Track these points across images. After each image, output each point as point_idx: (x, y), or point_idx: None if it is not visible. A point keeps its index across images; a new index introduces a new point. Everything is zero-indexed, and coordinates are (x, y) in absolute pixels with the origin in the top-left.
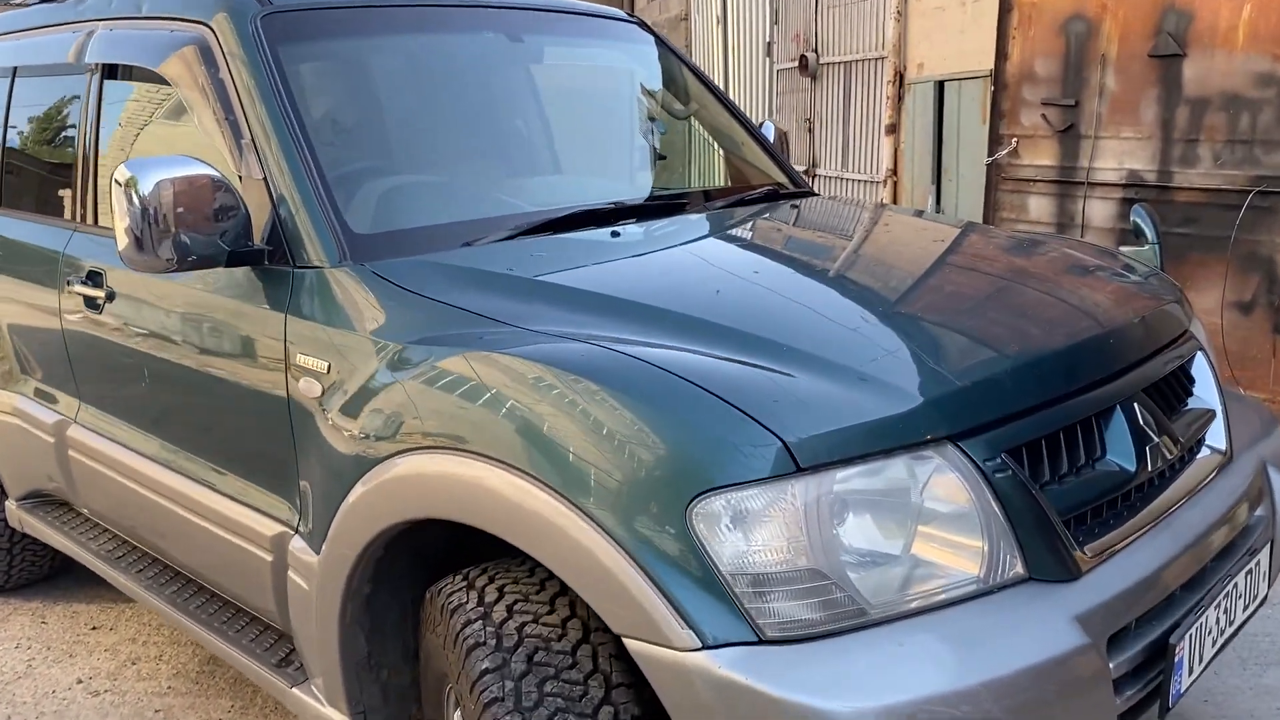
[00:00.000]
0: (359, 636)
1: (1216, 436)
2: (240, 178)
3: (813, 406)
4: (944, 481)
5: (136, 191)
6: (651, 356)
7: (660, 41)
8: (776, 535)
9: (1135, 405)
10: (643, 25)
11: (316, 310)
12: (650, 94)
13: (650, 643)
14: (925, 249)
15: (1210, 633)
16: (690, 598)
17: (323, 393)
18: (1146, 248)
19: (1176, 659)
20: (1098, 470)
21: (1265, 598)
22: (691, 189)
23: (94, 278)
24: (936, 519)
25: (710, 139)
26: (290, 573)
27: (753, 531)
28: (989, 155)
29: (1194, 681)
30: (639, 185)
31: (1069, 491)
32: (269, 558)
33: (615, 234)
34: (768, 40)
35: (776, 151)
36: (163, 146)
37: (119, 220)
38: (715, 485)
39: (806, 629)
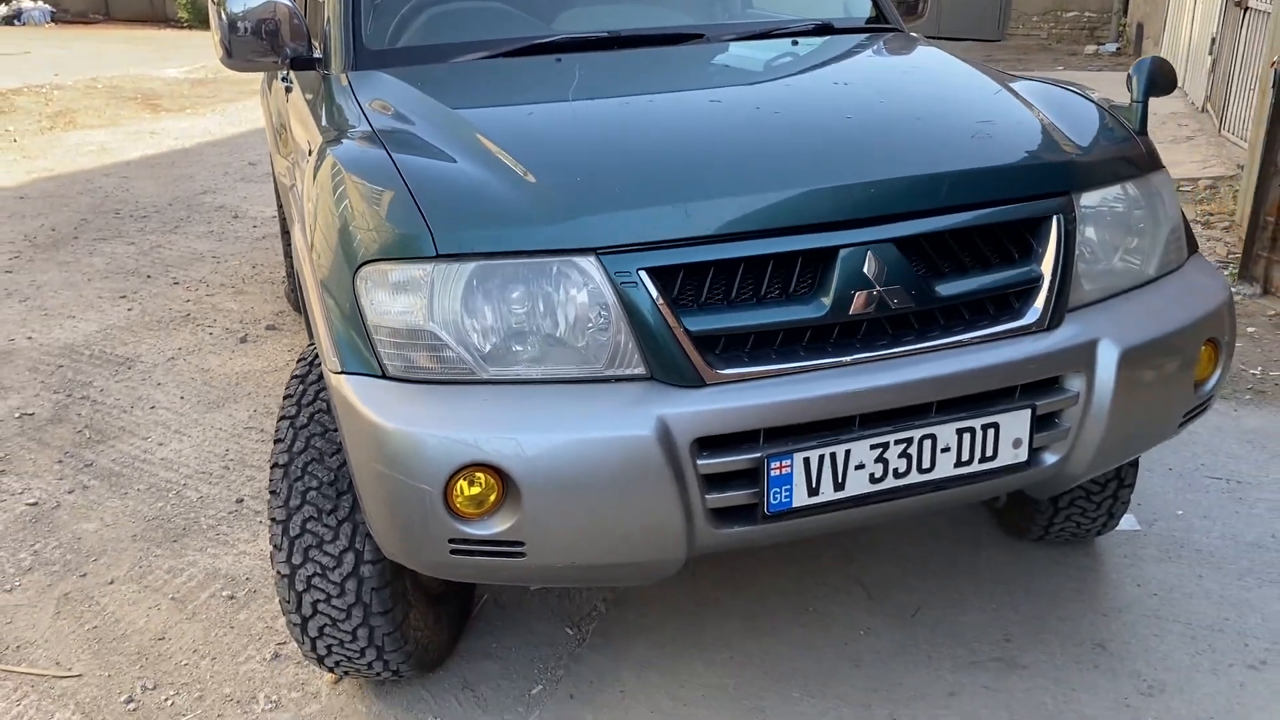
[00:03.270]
0: None
1: (1030, 306)
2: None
3: (473, 207)
4: (577, 287)
5: (225, 10)
6: (406, 159)
7: None
8: (410, 303)
9: (869, 253)
10: None
11: (319, 102)
12: None
13: (329, 370)
14: (828, 89)
15: (866, 469)
16: (344, 338)
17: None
18: (1131, 105)
19: (774, 476)
20: (772, 305)
21: (1024, 462)
22: (723, 21)
23: (286, 79)
24: (564, 314)
25: None
26: None
27: (394, 297)
28: None
29: (831, 506)
30: (682, 13)
31: (719, 315)
32: None
33: (558, 60)
34: None
35: None
36: None
37: (214, 31)
38: (374, 258)
39: (421, 374)
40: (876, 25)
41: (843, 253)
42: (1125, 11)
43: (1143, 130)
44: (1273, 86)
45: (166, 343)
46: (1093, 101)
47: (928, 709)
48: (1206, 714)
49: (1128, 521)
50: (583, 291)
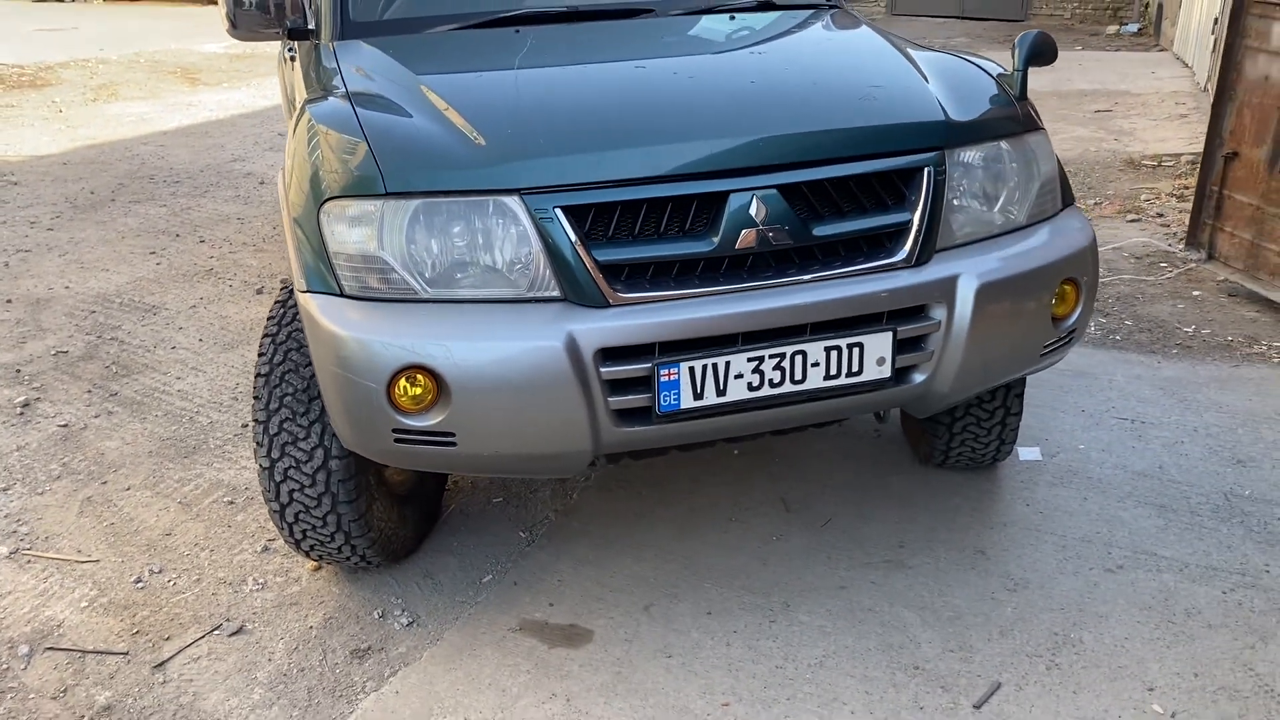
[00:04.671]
0: None
1: (901, 245)
2: None
3: (419, 154)
4: (503, 222)
5: None
6: (368, 114)
7: None
8: (364, 234)
9: (754, 198)
10: None
11: (309, 68)
12: None
13: (298, 290)
14: (743, 58)
15: (745, 378)
16: (311, 263)
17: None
18: (1013, 73)
19: (663, 381)
20: (669, 240)
21: (889, 379)
22: None
23: (290, 50)
24: (492, 245)
25: None
26: None
27: (350, 229)
28: None
29: (715, 410)
30: None
31: (624, 248)
32: None
33: (517, 31)
34: None
35: None
36: None
37: (221, 5)
38: (334, 195)
39: (373, 294)
40: (818, 3)
41: (731, 197)
42: None
43: (1022, 95)
44: (1219, 63)
45: (190, 293)
46: (983, 70)
47: (819, 598)
48: (1058, 605)
49: (1031, 453)
50: (508, 226)
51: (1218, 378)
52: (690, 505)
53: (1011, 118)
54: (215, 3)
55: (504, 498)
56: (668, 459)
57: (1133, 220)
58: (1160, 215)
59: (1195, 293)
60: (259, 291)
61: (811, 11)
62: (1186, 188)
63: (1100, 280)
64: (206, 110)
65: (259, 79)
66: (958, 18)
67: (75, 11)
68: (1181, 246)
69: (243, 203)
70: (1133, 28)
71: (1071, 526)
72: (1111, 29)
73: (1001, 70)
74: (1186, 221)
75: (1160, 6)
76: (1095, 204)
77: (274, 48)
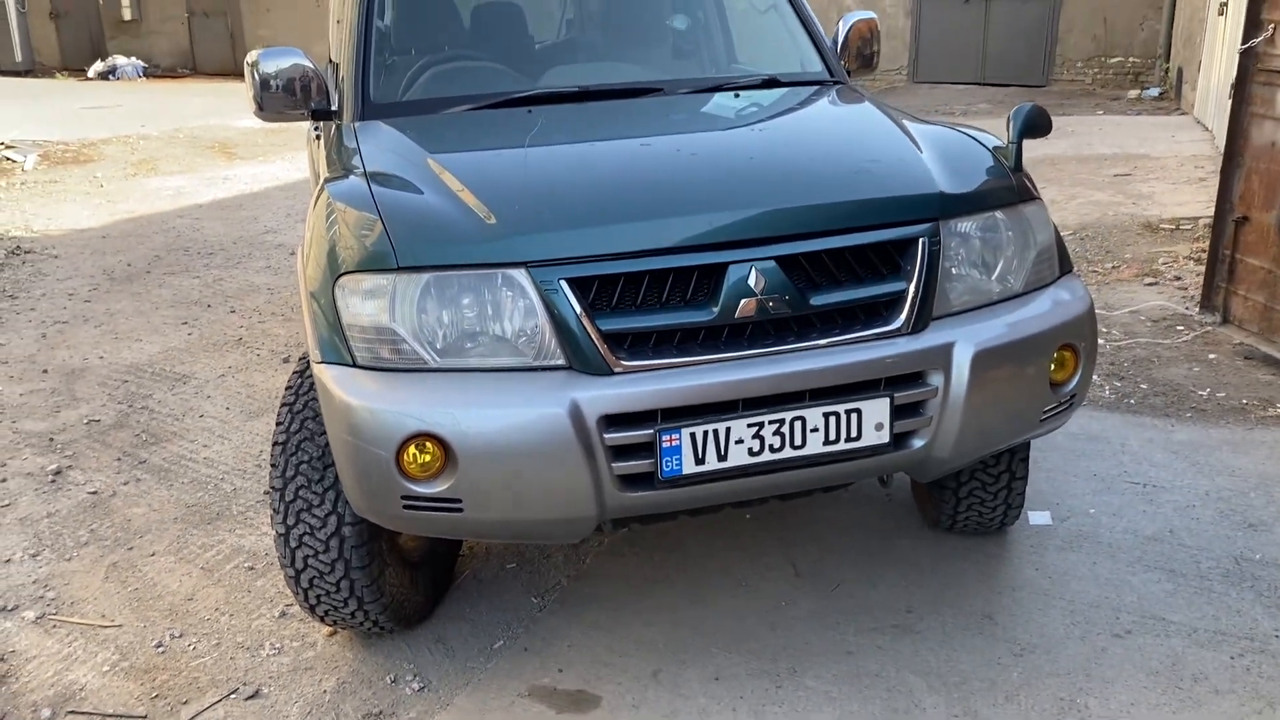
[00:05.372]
0: None
1: (897, 314)
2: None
3: (430, 230)
4: (510, 294)
5: (258, 70)
6: (382, 192)
7: None
8: (375, 307)
9: (753, 269)
10: None
11: (332, 146)
12: None
13: (313, 360)
14: (744, 134)
15: (745, 444)
16: (326, 335)
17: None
18: (1008, 144)
19: (665, 447)
20: (671, 309)
21: (887, 444)
22: (682, 77)
23: (316, 129)
24: (500, 316)
25: (762, 32)
26: None
27: (364, 302)
28: (1243, 42)
29: (717, 476)
30: (652, 71)
31: (627, 317)
32: None
33: (529, 110)
34: None
35: (823, 44)
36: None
37: (248, 89)
38: (349, 270)
39: (384, 364)
40: (821, 80)
41: (731, 268)
42: (1168, 57)
43: (1017, 166)
44: (1227, 130)
45: (219, 362)
46: (979, 142)
47: (825, 663)
48: (1065, 670)
49: (1041, 518)
50: (516, 298)
51: (1231, 441)
52: (701, 570)
53: (1006, 188)
54: None
55: (517, 563)
56: (678, 523)
57: (1150, 284)
58: (1178, 279)
59: (1211, 356)
60: (285, 360)
61: (816, 88)
62: (1204, 251)
63: (1116, 343)
64: (241, 183)
65: (292, 152)
66: (979, 84)
67: (120, 90)
68: (1198, 310)
69: (273, 273)
70: (1154, 92)
71: (1080, 591)
72: (1133, 93)
73: (997, 142)
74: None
75: (1180, 71)
76: (1113, 267)
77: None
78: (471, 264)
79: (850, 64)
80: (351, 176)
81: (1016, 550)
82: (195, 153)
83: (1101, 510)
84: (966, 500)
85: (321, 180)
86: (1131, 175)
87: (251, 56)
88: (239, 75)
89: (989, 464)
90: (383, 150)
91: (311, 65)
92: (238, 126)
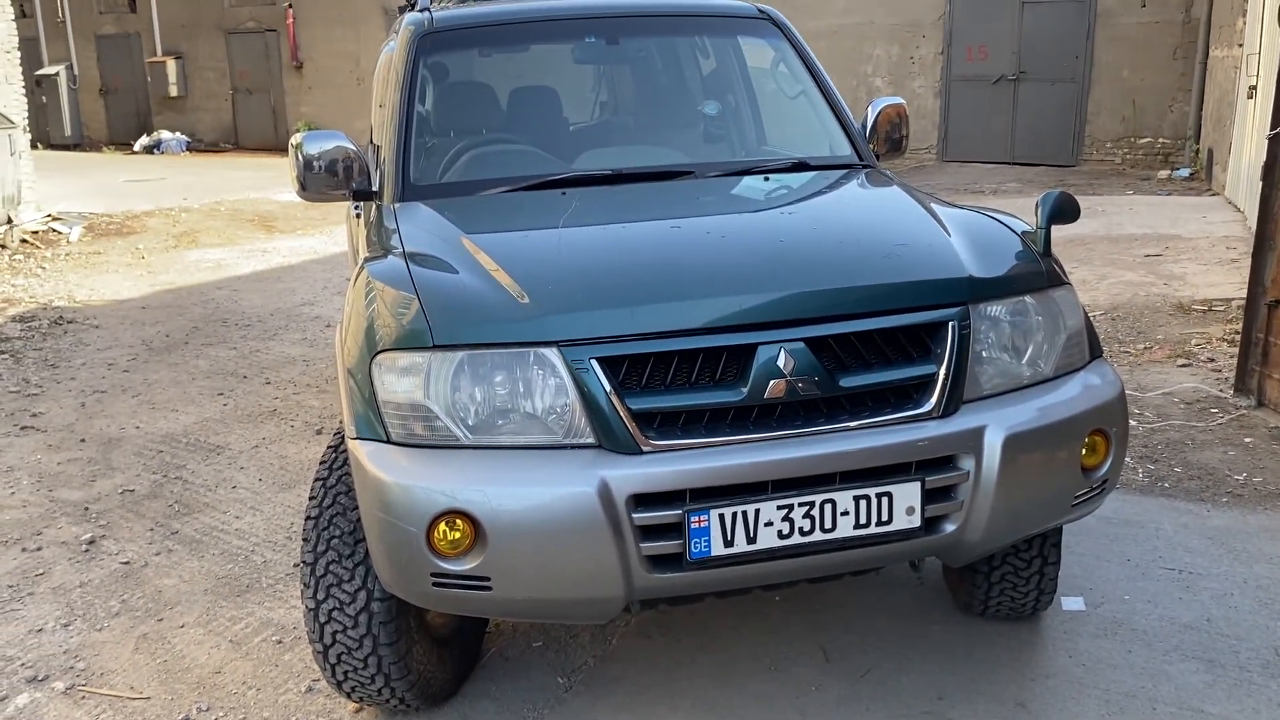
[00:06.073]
0: None
1: (927, 397)
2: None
3: (465, 309)
4: (542, 372)
5: (302, 152)
6: (420, 271)
7: (777, 26)
8: (410, 384)
9: (782, 351)
10: (766, 16)
11: (372, 226)
12: (746, 72)
13: (348, 436)
14: (774, 217)
15: (775, 526)
16: (361, 412)
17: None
18: (1036, 230)
19: (694, 528)
20: (700, 389)
21: (918, 528)
22: (713, 160)
23: (356, 208)
24: (532, 394)
25: (791, 116)
26: None
27: (399, 379)
28: (1271, 127)
29: (746, 558)
30: (683, 154)
31: (656, 396)
32: None
33: (563, 193)
34: None
35: (852, 128)
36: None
37: (291, 169)
38: (385, 348)
39: (417, 440)
40: (850, 163)
41: (760, 349)
42: (1198, 138)
43: (1046, 251)
44: (1258, 214)
45: (253, 433)
46: (1007, 227)
47: None
48: None
49: (1074, 603)
50: (547, 376)
51: (1268, 528)
52: (730, 653)
53: (1035, 273)
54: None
55: (544, 641)
56: (705, 604)
57: (1183, 365)
58: (1211, 360)
59: (1246, 439)
60: (319, 432)
61: (845, 171)
62: (1238, 332)
63: (1150, 425)
64: (280, 256)
65: (330, 225)
66: (1009, 163)
67: (164, 163)
68: (1232, 393)
69: (308, 345)
70: (1184, 172)
71: (1116, 680)
72: (1163, 174)
73: (1026, 227)
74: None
75: (1211, 152)
76: (1145, 348)
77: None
78: (505, 343)
79: (879, 148)
80: (390, 256)
81: (1049, 636)
82: (235, 225)
83: (1136, 597)
84: (999, 585)
85: (361, 259)
86: (1163, 256)
87: (296, 139)
88: (280, 150)
89: (1021, 549)
90: (420, 230)
91: (353, 147)
92: (278, 200)
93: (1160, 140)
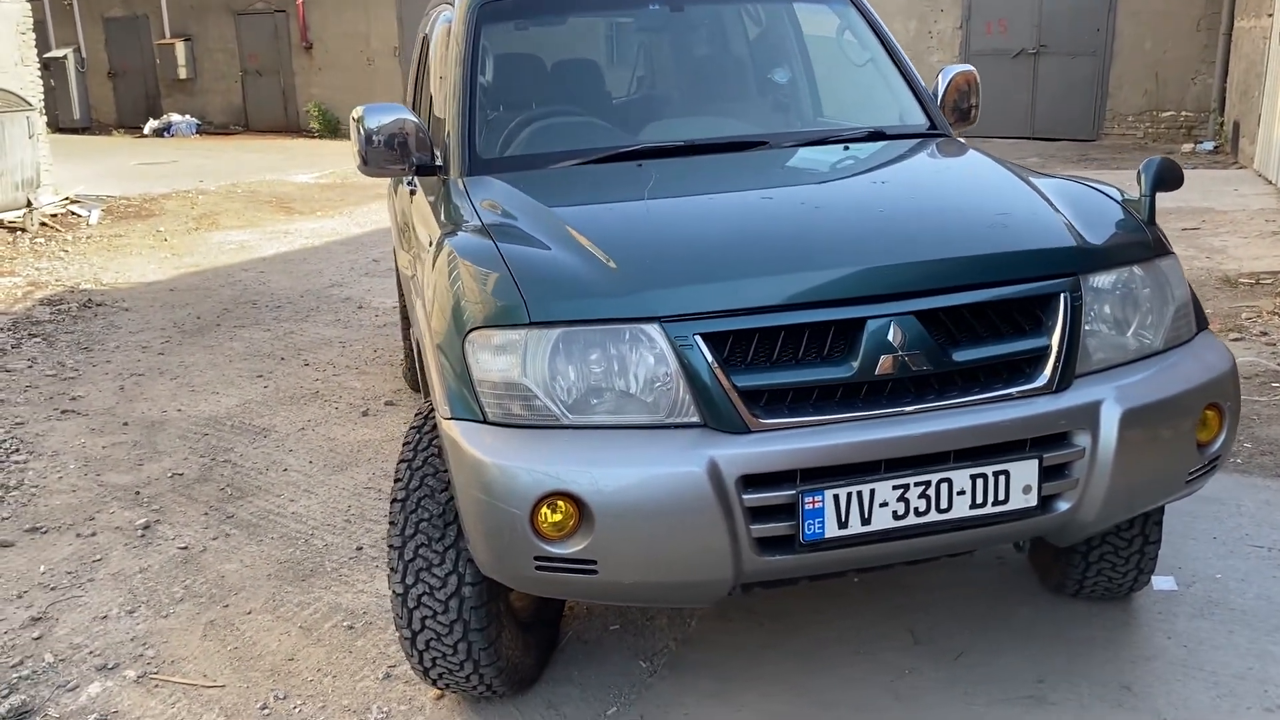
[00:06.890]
0: None
1: (1040, 371)
2: (431, 116)
3: (560, 285)
4: (644, 349)
5: (363, 125)
6: (508, 247)
7: None
8: (508, 362)
9: (892, 324)
10: None
11: (439, 202)
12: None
13: (441, 416)
14: (867, 187)
15: (889, 506)
16: (455, 390)
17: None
18: (1140, 198)
19: (807, 509)
20: (808, 365)
21: (1034, 507)
22: (784, 130)
23: (411, 183)
24: (632, 371)
25: (859, 84)
26: None
27: (494, 358)
28: None
29: (860, 540)
30: (752, 124)
31: (763, 373)
32: None
33: (639, 165)
34: None
35: (925, 95)
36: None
37: (353, 143)
38: (479, 325)
39: (515, 420)
40: (925, 132)
41: (870, 323)
42: (1222, 110)
43: (1151, 220)
44: None
45: (297, 415)
46: (1108, 196)
47: None
48: None
49: (1165, 583)
50: (648, 353)
51: None
52: (814, 637)
53: (1142, 243)
54: (302, 136)
55: (620, 625)
56: (782, 589)
57: (1236, 339)
58: (1264, 334)
59: None
60: (364, 414)
61: (921, 140)
62: None
63: None
64: (302, 238)
65: (349, 207)
66: (1029, 138)
67: (175, 146)
68: None
69: (343, 326)
70: (1208, 145)
71: (1221, 662)
72: (1186, 147)
73: (1126, 195)
74: None
75: (1237, 124)
76: None
77: (364, 178)
78: (604, 319)
79: (947, 117)
80: (468, 231)
81: (1144, 617)
82: (254, 207)
83: (1228, 575)
84: (1097, 565)
85: (440, 235)
86: (1200, 229)
87: (357, 112)
88: (290, 132)
89: (1122, 527)
90: (497, 205)
91: (414, 119)
92: (294, 181)
93: (1183, 113)
